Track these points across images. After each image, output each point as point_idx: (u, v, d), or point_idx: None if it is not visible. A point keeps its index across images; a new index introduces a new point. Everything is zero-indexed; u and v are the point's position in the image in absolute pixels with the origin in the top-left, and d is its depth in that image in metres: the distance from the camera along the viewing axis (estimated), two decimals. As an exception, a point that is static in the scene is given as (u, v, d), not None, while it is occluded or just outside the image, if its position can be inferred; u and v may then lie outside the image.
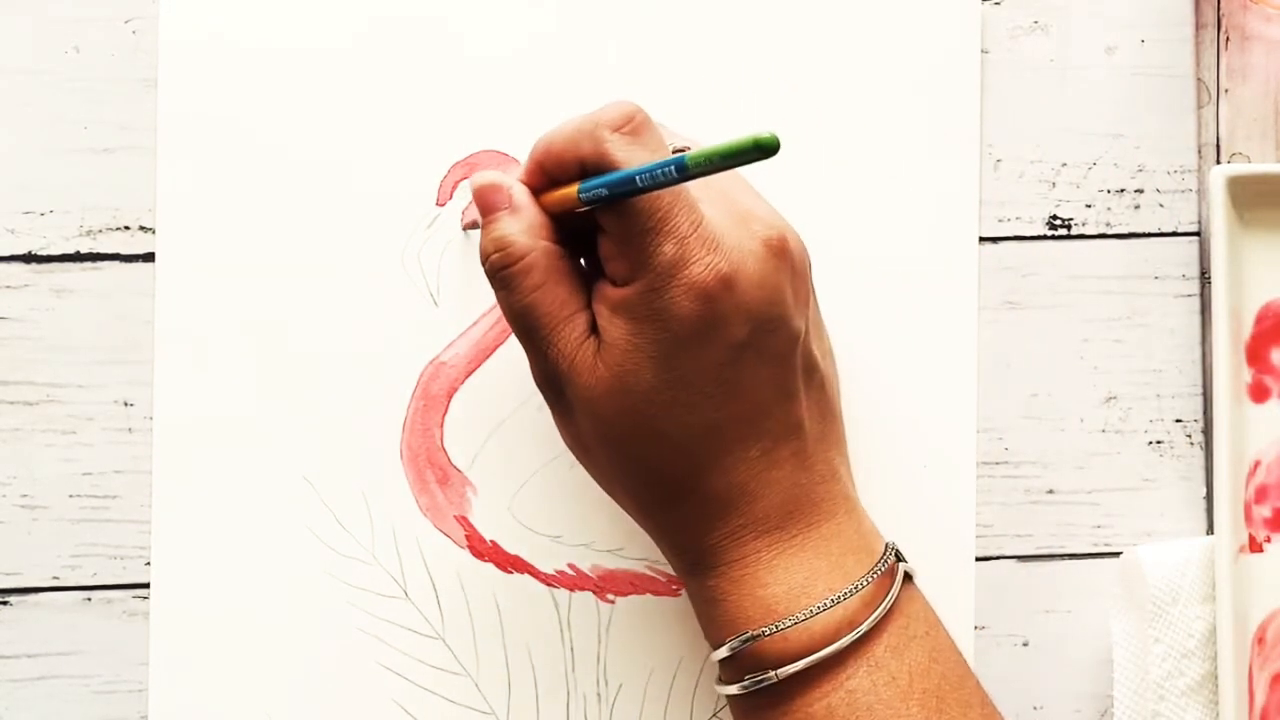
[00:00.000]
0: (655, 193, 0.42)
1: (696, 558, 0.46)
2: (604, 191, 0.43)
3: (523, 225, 0.45)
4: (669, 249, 0.42)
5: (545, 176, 0.46)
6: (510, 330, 0.53)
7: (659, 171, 0.41)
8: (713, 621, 0.46)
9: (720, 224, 0.43)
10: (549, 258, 0.45)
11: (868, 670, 0.44)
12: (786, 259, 0.45)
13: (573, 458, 0.48)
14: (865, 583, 0.45)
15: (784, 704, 0.44)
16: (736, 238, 0.43)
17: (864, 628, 0.44)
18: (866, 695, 0.44)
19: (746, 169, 0.41)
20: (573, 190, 0.44)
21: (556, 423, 0.47)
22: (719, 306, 0.43)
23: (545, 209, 0.46)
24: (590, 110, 0.44)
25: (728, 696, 0.45)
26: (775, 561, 0.45)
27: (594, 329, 0.45)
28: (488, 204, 0.46)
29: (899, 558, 0.47)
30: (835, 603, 0.44)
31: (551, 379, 0.45)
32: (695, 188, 0.44)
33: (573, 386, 0.45)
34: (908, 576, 0.47)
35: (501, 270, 0.45)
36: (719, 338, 0.43)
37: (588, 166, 0.44)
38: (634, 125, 0.43)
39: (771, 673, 0.44)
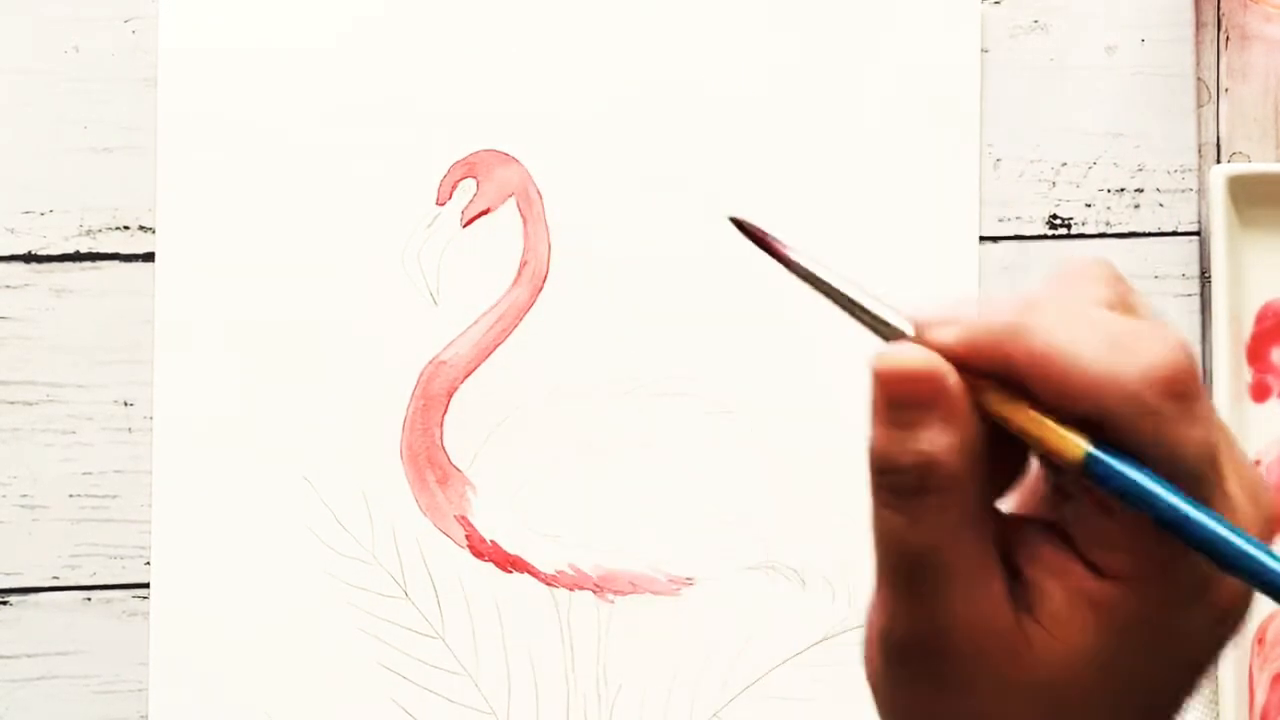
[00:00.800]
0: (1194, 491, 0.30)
1: None
2: (1127, 483, 0.30)
3: (957, 442, 0.31)
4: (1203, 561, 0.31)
5: (985, 365, 0.31)
6: (510, 330, 0.53)
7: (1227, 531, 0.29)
8: None
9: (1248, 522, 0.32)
10: (976, 492, 0.32)
11: None
12: None
13: (574, 456, 0.48)
14: None
15: None
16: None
17: None
18: None
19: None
20: (1069, 443, 0.30)
21: (888, 685, 0.35)
22: (1231, 629, 0.32)
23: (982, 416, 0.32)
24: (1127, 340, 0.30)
25: None
26: None
27: (1010, 595, 0.33)
28: (909, 398, 0.32)
29: None
30: None
31: (925, 640, 0.33)
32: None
33: (966, 661, 0.33)
34: None
35: (916, 495, 0.32)
36: (1203, 662, 0.33)
37: (1113, 427, 0.30)
38: (1188, 389, 0.29)
39: None
